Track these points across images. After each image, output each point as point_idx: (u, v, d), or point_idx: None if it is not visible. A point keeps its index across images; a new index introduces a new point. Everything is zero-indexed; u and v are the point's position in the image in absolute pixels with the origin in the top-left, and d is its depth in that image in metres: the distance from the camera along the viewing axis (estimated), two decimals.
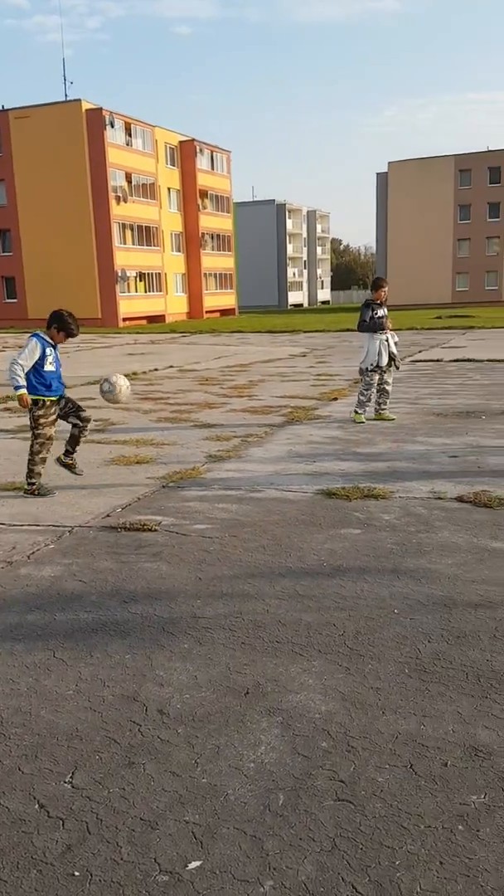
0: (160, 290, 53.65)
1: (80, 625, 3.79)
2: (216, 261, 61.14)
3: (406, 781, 2.48)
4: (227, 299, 63.25)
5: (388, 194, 69.56)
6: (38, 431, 6.43)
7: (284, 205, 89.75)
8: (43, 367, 6.33)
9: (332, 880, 2.08)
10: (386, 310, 9.76)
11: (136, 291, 50.78)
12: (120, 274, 48.67)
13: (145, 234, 52.21)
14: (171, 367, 18.59)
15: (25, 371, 6.26)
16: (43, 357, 6.32)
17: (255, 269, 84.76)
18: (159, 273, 53.70)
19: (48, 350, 6.36)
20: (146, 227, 52.14)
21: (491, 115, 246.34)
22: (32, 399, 6.33)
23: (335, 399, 11.91)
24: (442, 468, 6.92)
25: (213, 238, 60.96)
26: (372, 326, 9.50)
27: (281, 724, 2.83)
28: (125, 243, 49.94)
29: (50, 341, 6.40)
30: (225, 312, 61.62)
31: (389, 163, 69.75)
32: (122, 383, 7.14)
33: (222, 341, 29.04)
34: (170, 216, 56.08)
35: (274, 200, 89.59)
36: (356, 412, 9.70)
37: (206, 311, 58.47)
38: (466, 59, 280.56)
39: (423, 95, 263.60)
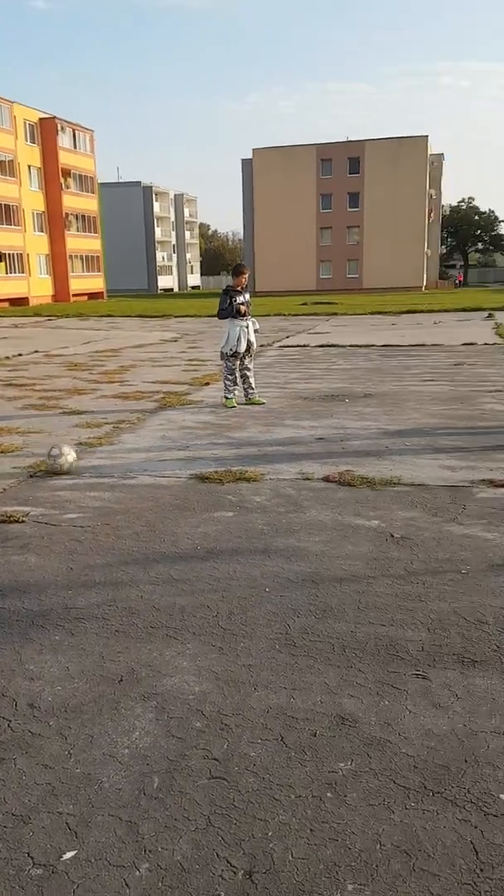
0: (22, 272, 51.54)
1: None
2: (82, 242, 59.47)
3: (277, 754, 2.56)
4: (95, 282, 61.75)
5: (253, 181, 70.13)
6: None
7: (151, 187, 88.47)
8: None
9: (206, 857, 2.12)
10: (248, 296, 9.86)
11: None
12: None
13: (5, 213, 49.92)
14: (37, 352, 17.96)
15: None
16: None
17: (123, 252, 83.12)
18: (21, 254, 51.56)
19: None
20: (5, 205, 49.86)
21: (350, 105, 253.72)
22: None
23: (207, 384, 11.95)
24: (309, 450, 7.13)
25: (77, 219, 59.22)
26: (231, 313, 9.61)
27: (155, 709, 2.84)
28: None
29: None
30: (93, 296, 60.14)
31: (254, 150, 70.25)
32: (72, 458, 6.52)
33: (91, 325, 28.37)
34: (31, 195, 53.91)
35: (140, 182, 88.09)
36: (225, 398, 9.84)
37: (73, 295, 56.81)
38: (327, 47, 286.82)
39: (286, 83, 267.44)
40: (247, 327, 9.69)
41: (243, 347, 9.67)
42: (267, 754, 2.56)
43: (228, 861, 2.10)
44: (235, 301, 9.60)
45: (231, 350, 9.67)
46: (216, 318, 10.30)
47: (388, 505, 5.32)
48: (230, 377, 9.84)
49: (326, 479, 6.02)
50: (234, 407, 9.64)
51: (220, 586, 3.98)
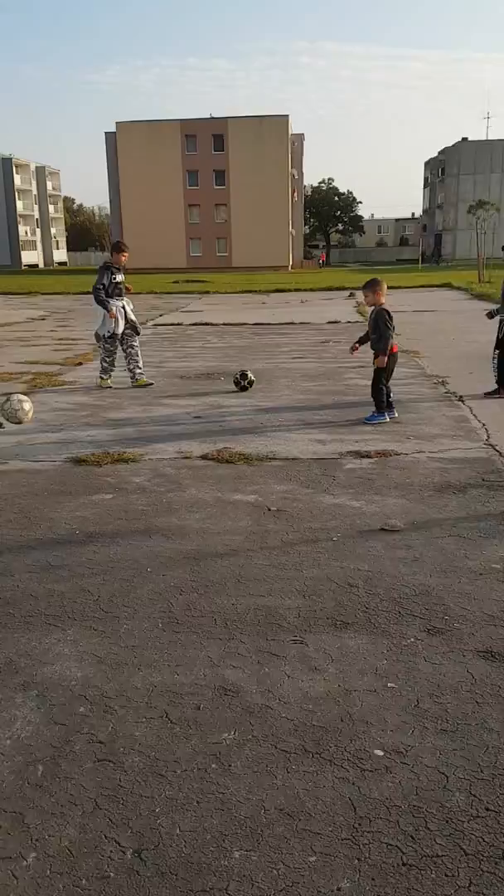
0: None
1: None
2: None
3: (162, 731, 2.59)
4: None
5: (117, 155, 68.33)
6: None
7: (11, 159, 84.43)
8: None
9: (94, 840, 2.12)
10: (123, 275, 9.52)
11: None
12: None
13: None
14: None
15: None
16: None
17: None
18: None
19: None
20: None
21: (211, 81, 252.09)
22: None
23: (80, 364, 11.67)
24: (187, 429, 7.14)
25: None
26: (108, 293, 9.25)
27: (37, 697, 2.79)
28: None
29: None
30: None
31: (117, 123, 68.39)
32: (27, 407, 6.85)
33: None
34: None
35: None
36: (101, 378, 9.59)
37: None
38: (186, 22, 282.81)
39: (146, 57, 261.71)
40: (123, 307, 9.38)
41: (121, 328, 9.37)
42: (152, 732, 2.58)
43: (117, 841, 2.12)
44: (115, 279, 9.29)
45: (108, 332, 9.33)
46: (86, 296, 10.06)
47: (265, 479, 5.44)
48: (108, 358, 9.56)
49: (205, 457, 6.06)
50: (111, 387, 9.45)
51: (100, 570, 3.94)
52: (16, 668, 3.00)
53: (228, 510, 4.81)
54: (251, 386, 8.99)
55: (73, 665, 3.01)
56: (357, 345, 7.68)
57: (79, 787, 2.33)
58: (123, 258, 9.44)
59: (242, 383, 9.01)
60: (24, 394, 7.49)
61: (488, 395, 8.35)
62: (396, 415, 7.28)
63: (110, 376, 9.63)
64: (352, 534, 4.35)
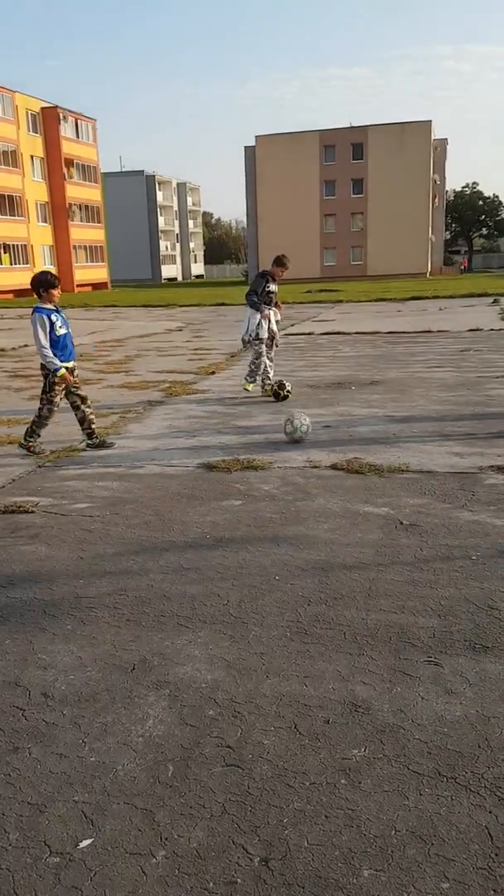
0: (27, 263, 51.53)
1: None
2: (86, 232, 59.36)
3: (291, 741, 2.57)
4: (99, 272, 61.67)
5: (255, 168, 69.62)
6: (52, 397, 6.73)
7: (154, 176, 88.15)
8: (55, 332, 6.54)
9: (222, 844, 2.13)
10: (276, 286, 9.85)
11: (2, 264, 48.51)
12: None
13: (8, 204, 49.86)
14: None
15: (48, 347, 6.49)
16: (52, 323, 6.52)
17: (126, 241, 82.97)
18: (25, 245, 51.54)
19: (53, 316, 6.61)
20: (9, 196, 49.79)
21: (352, 91, 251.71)
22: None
23: (213, 373, 11.93)
24: (316, 438, 7.11)
25: (81, 209, 59.08)
26: (261, 299, 9.60)
27: (168, 697, 2.85)
28: None
29: (50, 307, 6.61)
30: (97, 286, 60.09)
31: (256, 136, 69.69)
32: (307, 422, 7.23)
33: (95, 316, 28.34)
34: (34, 185, 53.79)
35: (143, 171, 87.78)
36: (246, 380, 9.86)
37: (78, 285, 56.76)
38: (325, 33, 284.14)
39: (287, 70, 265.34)
40: (270, 316, 9.71)
41: (265, 333, 9.67)
42: (280, 742, 2.56)
43: (244, 848, 2.11)
44: (268, 288, 9.65)
45: (252, 335, 9.63)
46: (220, 308, 10.37)
47: (397, 492, 5.31)
48: (256, 360, 9.80)
49: (334, 467, 6.00)
50: (248, 391, 9.69)
51: (229, 574, 3.98)
52: (149, 666, 3.08)
53: (358, 522, 4.73)
54: (289, 396, 9.05)
55: (204, 667, 3.05)
56: None
57: (208, 790, 2.34)
58: (282, 272, 9.79)
59: (281, 393, 9.05)
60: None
61: None
62: None
63: (255, 380, 9.85)
64: (493, 553, 4.15)
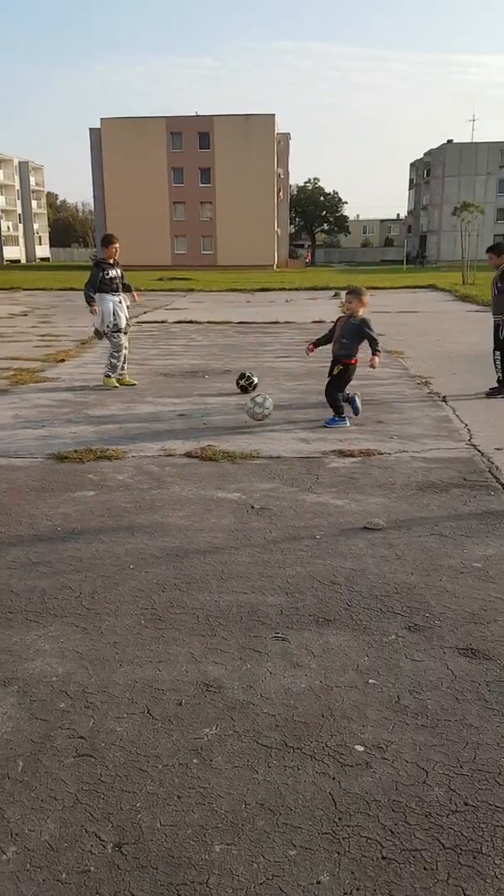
0: None
1: None
2: None
3: (144, 726, 2.59)
4: None
5: (102, 151, 67.92)
6: None
7: None
8: None
9: (75, 834, 2.12)
10: (121, 270, 9.39)
11: None
12: None
13: None
14: None
15: None
16: None
17: None
18: None
19: None
20: None
21: (197, 79, 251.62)
22: None
23: (62, 360, 11.61)
24: (171, 427, 7.13)
25: None
26: (99, 288, 9.16)
27: (17, 693, 2.78)
28: None
29: None
30: None
31: (102, 119, 67.91)
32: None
33: None
34: None
35: None
36: (108, 377, 9.30)
37: None
38: (170, 21, 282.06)
39: (130, 54, 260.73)
40: (120, 302, 9.29)
41: (123, 322, 9.26)
42: (133, 728, 2.58)
43: (97, 836, 2.12)
44: (108, 275, 9.17)
45: (111, 325, 9.17)
46: (68, 292, 10.03)
47: (249, 477, 5.44)
48: (117, 353, 9.30)
49: (189, 455, 6.05)
50: (118, 387, 9.18)
51: (82, 566, 3.93)
52: None
53: (212, 508, 4.81)
54: (252, 388, 8.73)
55: (55, 661, 3.00)
56: (313, 346, 7.52)
57: (59, 781, 2.32)
58: (114, 250, 9.31)
59: (241, 383, 8.83)
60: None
61: (490, 393, 8.40)
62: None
63: (118, 374, 9.36)
64: (334, 532, 4.37)
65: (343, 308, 7.30)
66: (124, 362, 9.51)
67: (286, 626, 3.25)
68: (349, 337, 7.16)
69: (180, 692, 2.78)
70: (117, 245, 9.42)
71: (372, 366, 7.02)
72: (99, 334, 9.43)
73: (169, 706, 2.70)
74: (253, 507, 4.80)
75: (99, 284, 9.18)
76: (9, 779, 2.33)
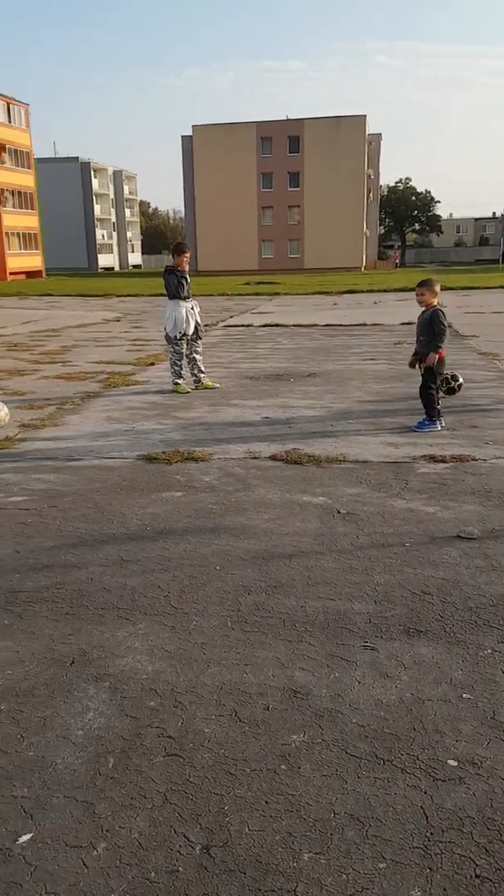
0: None
1: None
2: (19, 219, 57.91)
3: (231, 729, 2.59)
4: (33, 260, 60.28)
5: (193, 158, 69.12)
6: None
7: (89, 163, 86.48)
8: None
9: (164, 833, 2.14)
10: (188, 277, 9.50)
11: None
12: None
13: None
14: None
15: None
16: None
17: (61, 229, 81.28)
18: None
19: None
20: None
21: (287, 83, 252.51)
22: None
23: (152, 364, 11.84)
24: (256, 429, 7.15)
25: (14, 195, 57.59)
26: (180, 294, 9.28)
27: (108, 689, 2.83)
28: None
29: None
30: (31, 274, 58.73)
31: (194, 126, 69.13)
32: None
33: (30, 305, 27.73)
34: None
35: (78, 158, 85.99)
36: (175, 383, 9.42)
37: (11, 273, 55.35)
38: (261, 26, 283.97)
39: (221, 60, 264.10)
40: (192, 308, 9.40)
41: (192, 329, 9.37)
42: (221, 730, 2.58)
43: (186, 836, 2.12)
44: (182, 282, 9.26)
45: (180, 333, 9.31)
46: (158, 298, 10.16)
47: (334, 482, 5.39)
48: (178, 362, 9.44)
49: (274, 458, 6.05)
50: (188, 392, 9.27)
51: (170, 566, 3.97)
52: (89, 659, 3.06)
53: (297, 511, 4.79)
54: (460, 389, 8.14)
55: (144, 659, 3.05)
56: (416, 360, 7.08)
57: (149, 780, 2.35)
58: (185, 259, 9.40)
59: (452, 385, 8.07)
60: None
61: None
62: (444, 424, 7.01)
63: (184, 379, 9.46)
64: (425, 540, 4.26)
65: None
66: (199, 365, 9.56)
67: (375, 636, 3.19)
68: (425, 333, 6.88)
69: (267, 697, 2.77)
70: (188, 255, 9.54)
71: (426, 363, 6.73)
72: (169, 340, 9.49)
73: (256, 710, 2.69)
74: (339, 512, 4.74)
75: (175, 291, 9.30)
76: (100, 775, 2.37)
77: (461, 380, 8.20)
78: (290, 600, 3.54)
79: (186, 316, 9.32)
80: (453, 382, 8.08)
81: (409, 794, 2.27)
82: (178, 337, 9.34)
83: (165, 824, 2.17)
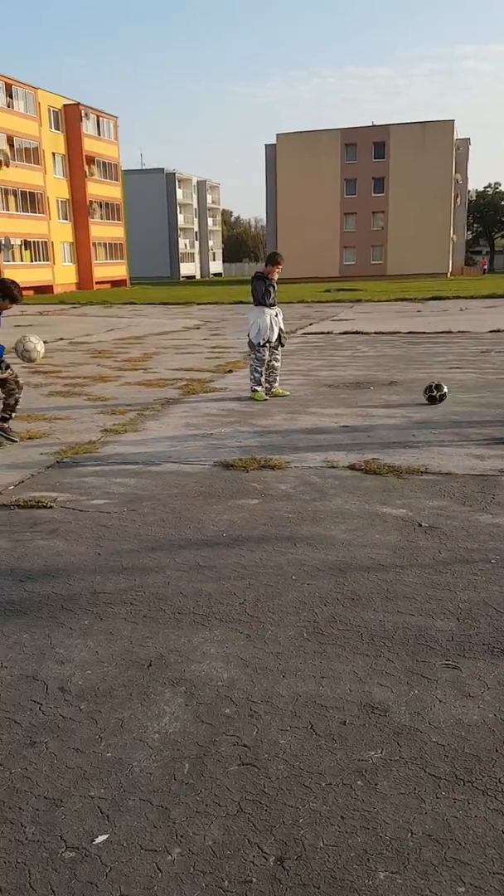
0: (47, 260, 51.78)
1: None
2: (106, 230, 59.57)
3: (307, 741, 2.56)
4: (118, 270, 61.88)
5: (276, 166, 69.56)
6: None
7: (174, 174, 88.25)
8: None
9: (238, 842, 2.13)
10: (276, 286, 9.55)
11: (22, 260, 48.81)
12: (3, 242, 46.60)
13: (30, 201, 50.13)
14: (62, 339, 18.06)
15: None
16: None
17: (145, 239, 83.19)
18: (45, 241, 51.78)
19: None
20: (30, 193, 50.05)
21: (371, 90, 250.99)
22: None
23: (230, 371, 11.93)
24: (334, 438, 7.09)
25: (101, 206, 59.29)
26: (265, 301, 9.33)
27: (184, 694, 2.85)
28: (8, 210, 47.80)
29: None
30: (116, 283, 60.29)
31: (277, 135, 69.57)
32: (39, 347, 7.57)
33: (114, 313, 28.45)
34: (56, 182, 54.03)
35: (163, 169, 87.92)
36: (254, 390, 9.44)
37: (97, 282, 56.97)
38: (345, 33, 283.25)
39: (304, 67, 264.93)
40: (276, 315, 9.44)
41: (275, 336, 9.41)
42: (297, 742, 2.56)
43: (260, 847, 2.11)
44: (269, 289, 9.33)
45: (264, 340, 9.33)
46: (237, 306, 10.22)
47: (416, 493, 5.28)
48: (259, 368, 9.44)
49: (352, 468, 5.98)
50: (266, 400, 9.28)
51: (246, 573, 3.98)
52: (166, 662, 3.09)
53: (376, 523, 4.71)
54: (442, 399, 8.63)
55: (220, 665, 3.05)
56: None
57: (223, 788, 2.34)
58: (277, 270, 9.44)
59: (435, 395, 8.66)
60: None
61: None
62: None
63: (263, 387, 9.48)
64: None
65: None
66: (275, 373, 9.59)
67: (457, 654, 3.10)
68: None
69: (344, 711, 2.73)
70: (281, 267, 9.56)
71: None
72: (252, 346, 9.51)
73: (332, 724, 2.65)
74: (420, 525, 4.64)
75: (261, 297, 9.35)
76: (175, 780, 2.39)
77: (445, 389, 8.64)
78: (368, 614, 3.48)
79: (270, 323, 9.35)
80: (436, 392, 8.64)
81: (490, 817, 2.19)
82: (262, 343, 9.38)
83: (239, 833, 2.16)
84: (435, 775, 2.38)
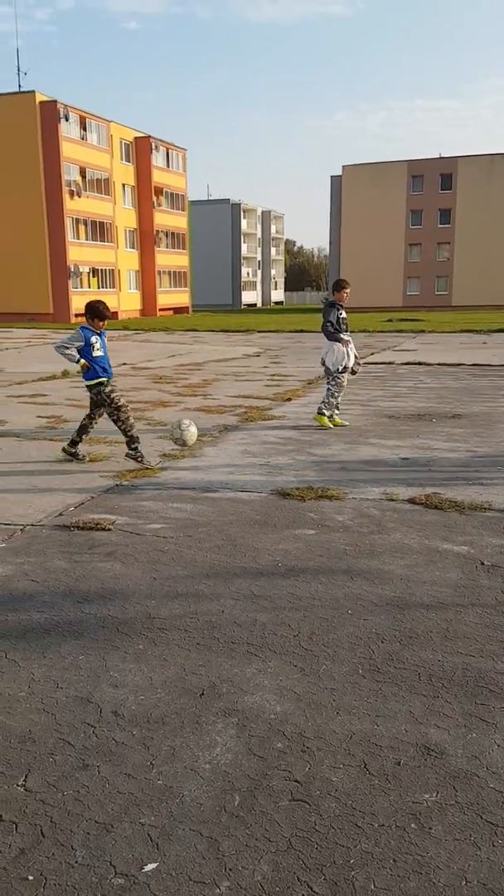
0: (113, 287, 53.16)
1: (32, 625, 3.73)
2: (170, 258, 60.88)
3: (360, 781, 2.51)
4: (181, 297, 63.04)
5: (341, 197, 70.16)
6: (120, 404, 7.34)
7: (240, 204, 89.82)
8: (91, 353, 7.27)
9: (287, 880, 2.09)
10: (345, 312, 9.70)
11: (89, 287, 50.24)
12: (72, 269, 48.07)
13: (99, 230, 51.69)
14: (125, 364, 18.42)
15: (70, 350, 7.29)
16: (89, 344, 7.25)
17: (209, 267, 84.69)
18: (112, 269, 53.22)
19: (93, 338, 7.31)
20: (100, 222, 51.62)
21: (438, 122, 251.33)
22: (98, 381, 7.33)
23: (289, 399, 11.97)
24: (394, 470, 7.02)
25: (167, 236, 60.67)
26: (339, 328, 9.46)
27: (236, 725, 2.84)
28: (78, 238, 49.38)
29: (93, 330, 7.33)
30: (178, 310, 61.39)
31: (344, 166, 70.34)
32: (193, 429, 7.87)
33: (176, 339, 28.92)
34: (124, 212, 55.63)
35: (229, 200, 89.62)
36: (322, 414, 9.45)
37: (160, 309, 58.16)
38: (413, 65, 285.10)
39: (373, 100, 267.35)
40: (349, 342, 9.56)
41: (352, 362, 9.54)
42: (349, 780, 2.51)
43: (309, 886, 2.07)
44: (341, 315, 9.48)
45: (342, 366, 9.44)
46: (298, 334, 10.29)
47: (479, 530, 5.17)
48: (338, 394, 9.55)
49: (412, 501, 5.90)
50: (330, 428, 9.30)
51: (301, 605, 3.95)
52: (218, 692, 3.08)
53: (437, 559, 4.63)
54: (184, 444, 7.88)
55: (273, 698, 3.03)
56: None
57: (274, 823, 2.31)
58: (345, 295, 9.59)
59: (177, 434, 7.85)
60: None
61: None
62: None
63: (333, 414, 9.54)
64: None
65: None
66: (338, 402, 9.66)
67: None
68: None
69: (399, 751, 2.67)
70: (348, 291, 9.68)
71: None
72: (329, 372, 9.58)
73: (387, 763, 2.60)
74: (483, 564, 4.54)
75: (337, 325, 9.45)
76: (225, 812, 2.37)
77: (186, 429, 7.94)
78: (426, 653, 3.41)
79: (346, 350, 9.49)
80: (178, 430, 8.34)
81: None
82: (340, 370, 9.48)
83: (289, 870, 2.12)
84: (492, 822, 2.30)
